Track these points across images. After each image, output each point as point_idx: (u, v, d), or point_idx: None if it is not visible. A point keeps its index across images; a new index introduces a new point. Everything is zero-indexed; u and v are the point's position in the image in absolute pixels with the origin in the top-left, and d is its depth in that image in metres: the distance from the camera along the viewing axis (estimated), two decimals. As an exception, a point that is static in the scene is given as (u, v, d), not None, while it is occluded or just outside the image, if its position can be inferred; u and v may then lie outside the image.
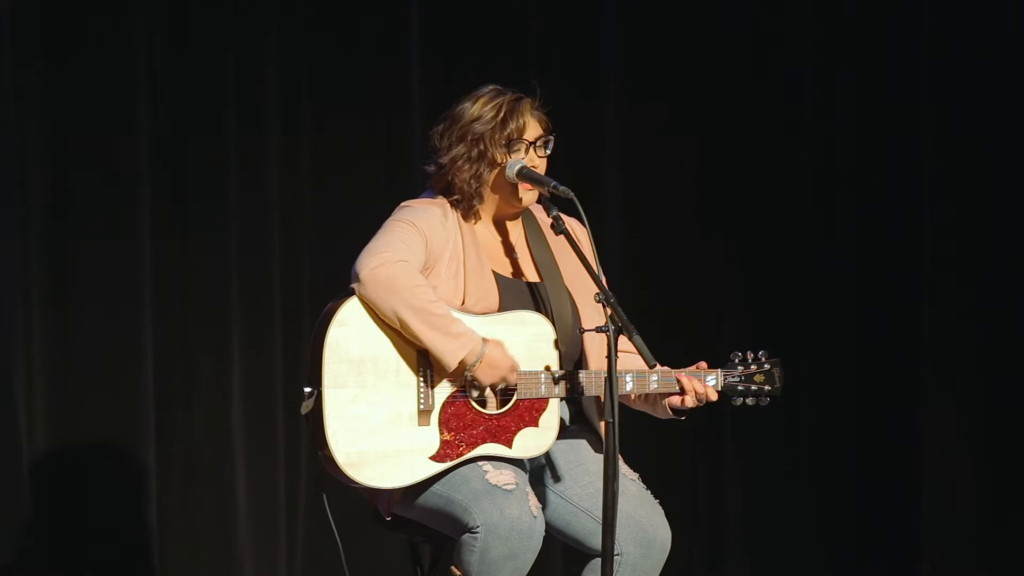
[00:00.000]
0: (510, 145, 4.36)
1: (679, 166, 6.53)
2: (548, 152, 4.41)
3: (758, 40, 6.58)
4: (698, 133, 6.55)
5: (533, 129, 4.39)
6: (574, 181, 4.35)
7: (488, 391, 4.23)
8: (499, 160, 4.35)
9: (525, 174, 4.35)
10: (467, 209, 4.39)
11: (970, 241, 6.53)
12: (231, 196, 6.06)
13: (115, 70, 5.90)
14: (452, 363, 4.17)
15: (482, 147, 4.35)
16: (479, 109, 4.38)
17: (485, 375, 4.20)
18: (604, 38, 6.50)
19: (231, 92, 6.06)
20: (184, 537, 6.00)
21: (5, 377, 5.76)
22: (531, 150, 4.37)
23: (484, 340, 4.19)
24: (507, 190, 4.38)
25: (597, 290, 4.23)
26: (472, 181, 4.36)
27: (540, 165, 4.38)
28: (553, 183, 4.31)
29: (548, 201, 4.36)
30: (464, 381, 4.22)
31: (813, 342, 6.55)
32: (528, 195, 4.37)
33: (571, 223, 4.42)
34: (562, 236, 4.30)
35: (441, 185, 4.41)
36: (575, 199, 4.23)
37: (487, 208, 4.43)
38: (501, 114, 4.36)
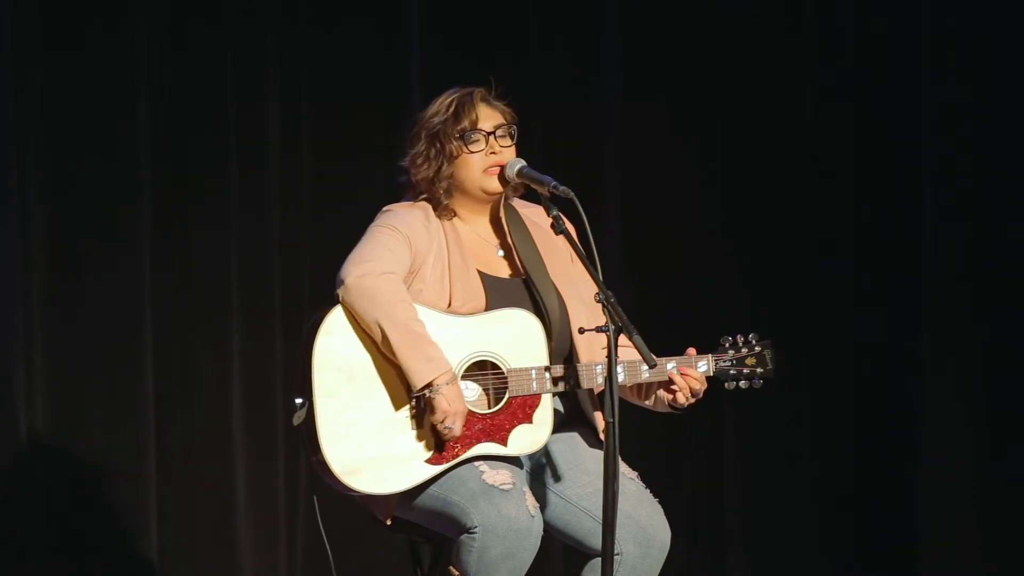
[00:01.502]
0: (465, 137, 4.35)
1: (680, 165, 6.52)
2: (512, 142, 4.41)
3: (758, 38, 6.58)
4: (699, 132, 6.55)
5: (490, 119, 4.39)
6: (574, 181, 4.35)
7: (440, 425, 4.18)
8: (455, 153, 4.36)
9: (525, 173, 4.36)
10: (438, 207, 4.39)
11: (970, 241, 6.52)
12: (231, 196, 6.06)
13: (115, 70, 5.90)
14: (418, 383, 4.15)
15: (439, 143, 4.37)
16: (435, 107, 4.40)
17: (442, 404, 4.16)
18: (604, 38, 6.50)
19: (231, 92, 6.06)
20: (184, 537, 6.00)
21: (5, 377, 5.77)
22: (491, 139, 4.37)
23: (455, 375, 4.19)
24: (470, 183, 4.38)
25: (584, 285, 4.23)
26: (434, 178, 4.37)
27: (504, 153, 4.37)
28: (553, 183, 4.30)
29: (548, 201, 4.35)
30: (422, 401, 4.19)
31: (813, 342, 6.54)
32: (491, 183, 4.37)
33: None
34: (559, 235, 4.30)
35: (410, 188, 4.42)
36: (575, 199, 4.22)
37: (462, 205, 4.43)
38: (453, 107, 4.37)
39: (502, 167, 4.37)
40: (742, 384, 4.46)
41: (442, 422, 4.16)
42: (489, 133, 4.37)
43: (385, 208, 4.42)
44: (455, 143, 4.36)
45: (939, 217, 6.53)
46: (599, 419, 4.37)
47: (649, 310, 5.90)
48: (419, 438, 4.21)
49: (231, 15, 6.05)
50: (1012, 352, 6.47)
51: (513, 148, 4.41)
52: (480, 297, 4.33)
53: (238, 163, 6.07)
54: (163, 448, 5.97)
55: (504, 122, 4.40)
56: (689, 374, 4.37)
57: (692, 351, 4.42)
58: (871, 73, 6.58)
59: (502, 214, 4.48)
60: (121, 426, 5.91)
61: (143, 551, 5.93)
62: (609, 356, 4.07)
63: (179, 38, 5.98)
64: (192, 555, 6.02)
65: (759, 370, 4.47)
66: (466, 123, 4.36)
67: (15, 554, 5.76)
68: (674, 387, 4.37)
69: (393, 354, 4.16)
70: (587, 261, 4.21)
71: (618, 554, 4.23)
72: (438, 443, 4.22)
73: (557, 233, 4.30)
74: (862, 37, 6.59)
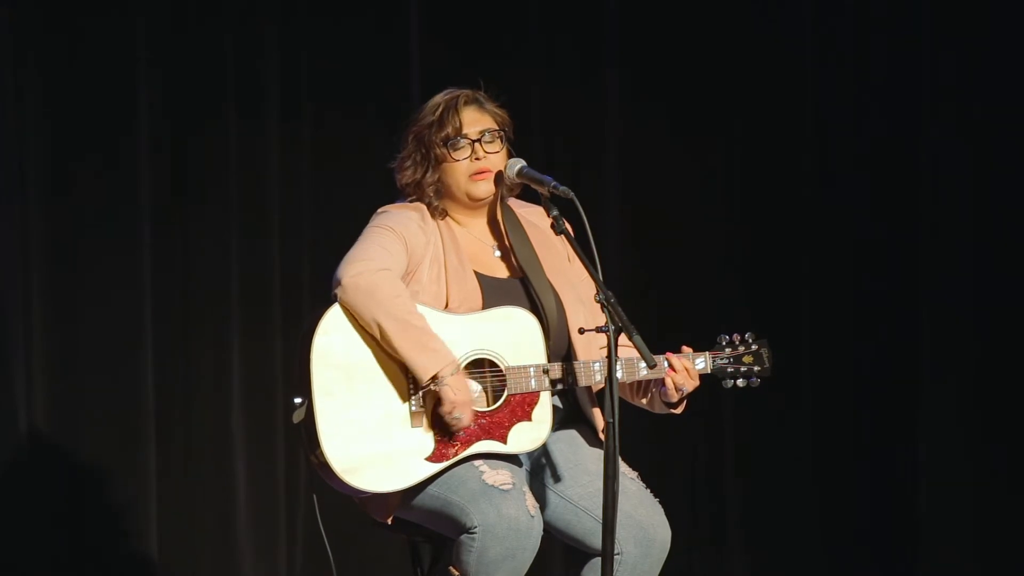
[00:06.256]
0: (449, 144, 4.34)
1: (680, 165, 6.52)
2: (503, 145, 4.37)
3: (758, 38, 6.58)
4: (699, 132, 6.55)
5: (476, 124, 4.36)
6: (574, 181, 4.35)
7: (448, 415, 4.19)
8: (441, 159, 4.35)
9: (525, 173, 4.35)
10: (430, 208, 4.38)
11: (970, 241, 6.52)
12: (231, 195, 6.07)
13: (115, 69, 5.91)
14: (424, 376, 4.15)
15: (424, 148, 4.36)
16: (424, 110, 4.39)
17: (448, 395, 4.16)
18: (605, 38, 6.50)
19: (231, 91, 6.07)
20: (184, 537, 6.00)
21: (5, 377, 5.77)
22: (476, 146, 4.35)
23: (459, 365, 4.18)
24: (456, 189, 4.36)
25: (582, 285, 4.22)
26: (420, 182, 4.37)
27: (491, 159, 4.34)
28: (553, 183, 4.30)
29: (548, 201, 4.35)
30: (425, 396, 4.19)
31: (813, 342, 6.54)
32: (476, 189, 4.36)
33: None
34: (559, 236, 4.29)
35: (402, 189, 4.42)
36: (575, 199, 4.21)
37: (453, 208, 4.42)
38: (439, 112, 4.36)
39: (499, 170, 4.36)
40: (740, 383, 4.45)
41: (450, 413, 4.17)
42: (475, 140, 4.36)
43: (381, 209, 4.41)
44: (440, 149, 4.35)
45: (940, 217, 6.53)
46: (598, 417, 4.37)
47: (649, 310, 5.89)
48: (419, 436, 4.21)
49: (231, 15, 6.05)
50: (1011, 352, 6.47)
51: (503, 153, 4.37)
52: (477, 298, 4.33)
53: (238, 163, 6.07)
54: (163, 448, 5.97)
55: (493, 126, 4.38)
56: (683, 363, 4.35)
57: (687, 349, 4.41)
58: (872, 67, 6.58)
59: (498, 215, 4.47)
60: (121, 426, 5.91)
61: (143, 551, 5.93)
62: (609, 356, 4.07)
63: (179, 38, 5.98)
64: (192, 555, 6.02)
65: (756, 368, 4.46)
66: (450, 129, 4.34)
67: (15, 554, 5.76)
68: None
69: (394, 350, 4.16)
70: (587, 261, 4.21)
71: (618, 554, 4.23)
72: (440, 439, 4.22)
73: (557, 233, 4.29)
74: (863, 33, 6.58)
